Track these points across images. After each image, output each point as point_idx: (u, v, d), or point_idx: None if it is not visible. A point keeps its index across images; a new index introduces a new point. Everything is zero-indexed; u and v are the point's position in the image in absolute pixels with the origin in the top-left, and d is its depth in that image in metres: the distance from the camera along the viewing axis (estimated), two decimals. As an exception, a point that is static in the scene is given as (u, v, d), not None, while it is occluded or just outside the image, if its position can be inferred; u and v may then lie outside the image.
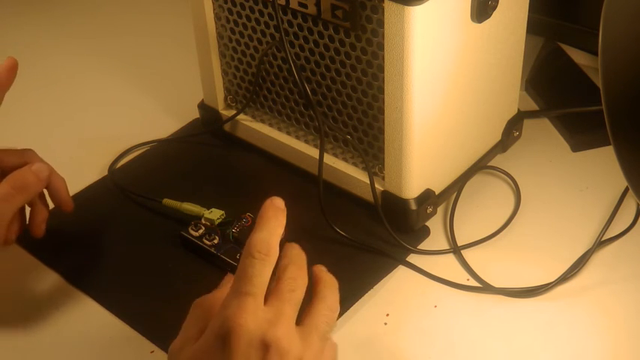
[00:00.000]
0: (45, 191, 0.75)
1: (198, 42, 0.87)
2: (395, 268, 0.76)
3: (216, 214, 0.79)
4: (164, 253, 0.78)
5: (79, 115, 1.00)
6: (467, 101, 0.78)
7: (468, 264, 0.76)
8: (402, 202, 0.77)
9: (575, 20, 0.98)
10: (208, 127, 0.92)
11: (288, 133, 0.86)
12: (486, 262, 0.77)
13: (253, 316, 0.54)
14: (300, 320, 0.57)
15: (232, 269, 0.74)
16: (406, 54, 0.68)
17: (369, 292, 0.74)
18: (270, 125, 0.87)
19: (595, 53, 0.69)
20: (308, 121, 0.84)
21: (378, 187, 0.79)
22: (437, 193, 0.79)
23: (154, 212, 0.82)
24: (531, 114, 0.94)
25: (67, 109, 1.01)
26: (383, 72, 0.71)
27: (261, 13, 0.80)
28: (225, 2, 0.82)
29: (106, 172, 0.89)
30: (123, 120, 0.98)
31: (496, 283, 0.74)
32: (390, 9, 0.67)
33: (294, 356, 0.54)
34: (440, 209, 0.82)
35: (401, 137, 0.74)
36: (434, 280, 0.75)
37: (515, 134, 0.88)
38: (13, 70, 0.73)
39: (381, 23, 0.69)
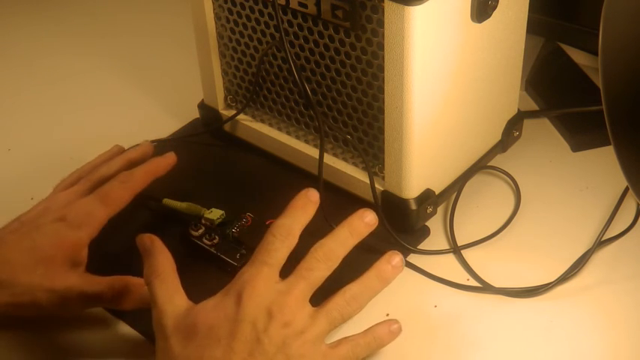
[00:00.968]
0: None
1: (198, 42, 0.87)
2: (395, 268, 0.76)
3: (216, 214, 0.79)
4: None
5: (80, 114, 1.00)
6: (467, 101, 0.78)
7: (468, 264, 0.76)
8: (402, 202, 0.77)
9: (575, 20, 0.98)
10: (208, 127, 0.92)
11: (288, 133, 0.86)
12: (486, 262, 0.77)
13: (265, 283, 0.59)
14: (318, 304, 0.61)
15: (232, 269, 0.74)
16: (406, 54, 0.68)
17: (369, 292, 0.74)
18: (270, 125, 0.87)
19: (595, 53, 0.69)
20: (308, 121, 0.84)
21: (378, 187, 0.79)
22: (437, 193, 0.79)
23: (153, 212, 0.82)
24: (531, 114, 0.94)
25: (67, 109, 1.01)
26: (383, 72, 0.71)
27: (261, 13, 0.80)
28: (225, 2, 0.82)
29: (106, 172, 0.89)
30: (123, 120, 0.98)
31: (496, 283, 0.74)
32: (390, 9, 0.67)
33: (295, 329, 0.58)
34: (440, 209, 0.82)
35: (401, 137, 0.74)
36: (434, 280, 0.75)
37: (515, 134, 0.88)
38: (169, 166, 0.79)
39: (381, 23, 0.69)
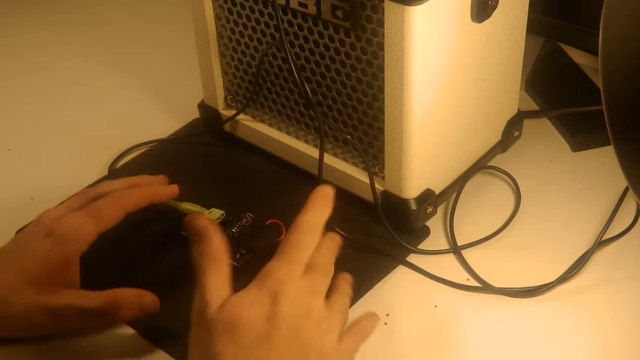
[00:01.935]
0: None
1: (198, 42, 0.87)
2: (395, 267, 0.76)
3: (216, 214, 0.79)
4: (164, 253, 0.78)
5: (80, 114, 1.00)
6: (467, 101, 0.78)
7: (467, 264, 0.76)
8: (402, 202, 0.77)
9: (575, 20, 0.98)
10: (208, 127, 0.92)
11: (288, 133, 0.86)
12: (486, 262, 0.77)
13: (298, 282, 0.61)
14: None
15: (232, 269, 0.74)
16: (406, 54, 0.68)
17: (369, 291, 0.74)
18: (270, 125, 0.87)
19: (595, 53, 0.69)
20: (308, 121, 0.84)
21: (378, 187, 0.79)
22: (437, 193, 0.79)
23: (153, 212, 0.82)
24: (531, 114, 0.94)
25: (67, 109, 1.01)
26: (383, 72, 0.71)
27: (261, 13, 0.80)
28: (225, 2, 0.82)
29: (106, 172, 0.89)
30: (123, 120, 0.98)
31: (496, 283, 0.74)
32: (390, 9, 0.67)
33: (324, 326, 0.60)
34: (440, 209, 0.82)
35: (401, 137, 0.74)
36: (434, 280, 0.75)
37: (515, 134, 0.88)
38: (167, 197, 0.78)
39: (381, 23, 0.69)
